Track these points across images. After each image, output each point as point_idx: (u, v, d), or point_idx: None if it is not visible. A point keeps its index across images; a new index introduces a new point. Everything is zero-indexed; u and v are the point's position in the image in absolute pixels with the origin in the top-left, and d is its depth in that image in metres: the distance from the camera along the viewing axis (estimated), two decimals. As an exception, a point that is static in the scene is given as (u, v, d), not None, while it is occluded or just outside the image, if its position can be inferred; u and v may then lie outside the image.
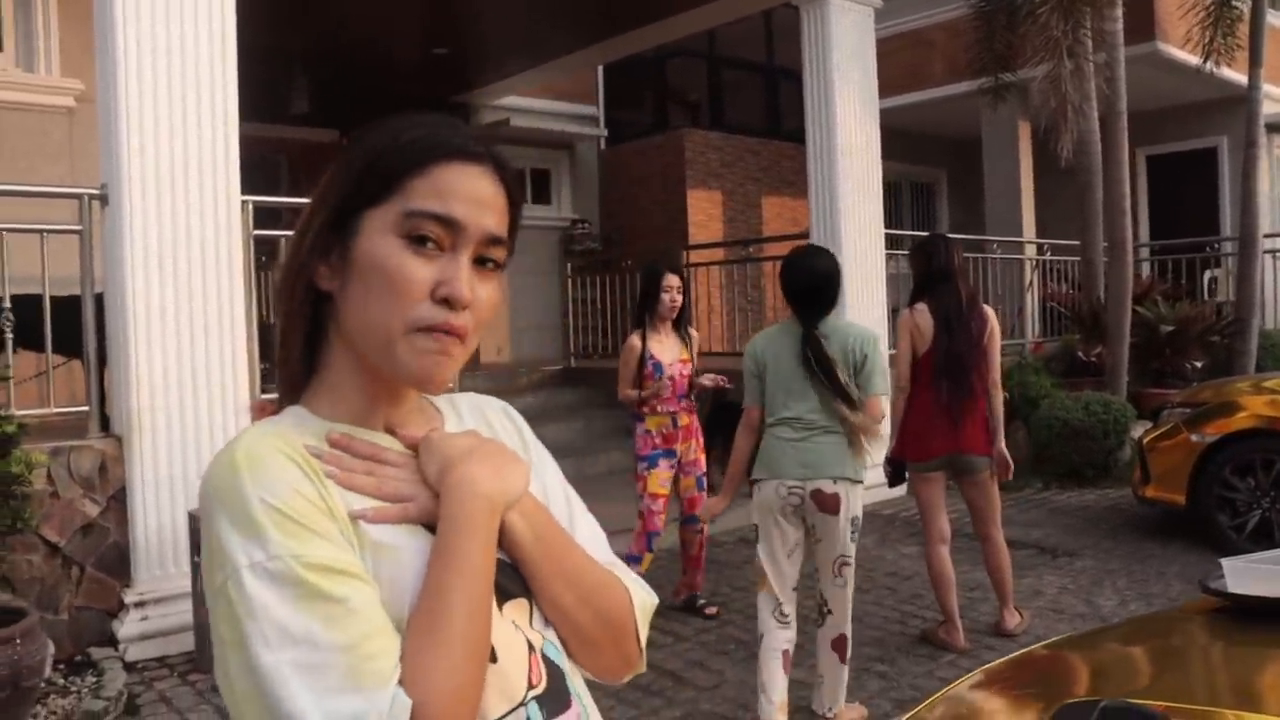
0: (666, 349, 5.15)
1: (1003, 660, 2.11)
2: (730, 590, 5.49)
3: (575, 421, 9.04)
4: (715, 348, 9.68)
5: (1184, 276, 11.81)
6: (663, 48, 11.37)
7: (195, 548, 4.20)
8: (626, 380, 5.14)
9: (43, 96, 6.78)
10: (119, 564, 4.51)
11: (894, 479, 4.88)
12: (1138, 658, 2.02)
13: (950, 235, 5.33)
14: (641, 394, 5.05)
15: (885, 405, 3.87)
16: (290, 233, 1.11)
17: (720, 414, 6.25)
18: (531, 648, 1.00)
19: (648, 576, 5.14)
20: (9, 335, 4.61)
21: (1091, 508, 7.45)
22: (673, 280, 5.16)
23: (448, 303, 0.95)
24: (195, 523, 4.15)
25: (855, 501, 3.72)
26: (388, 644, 0.87)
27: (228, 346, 4.64)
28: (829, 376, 3.68)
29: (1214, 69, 10.25)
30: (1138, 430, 7.68)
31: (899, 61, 12.54)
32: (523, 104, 11.40)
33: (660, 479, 5.09)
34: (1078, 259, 10.38)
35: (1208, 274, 12.09)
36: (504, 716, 0.94)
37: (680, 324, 5.27)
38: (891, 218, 11.81)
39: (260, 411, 1.07)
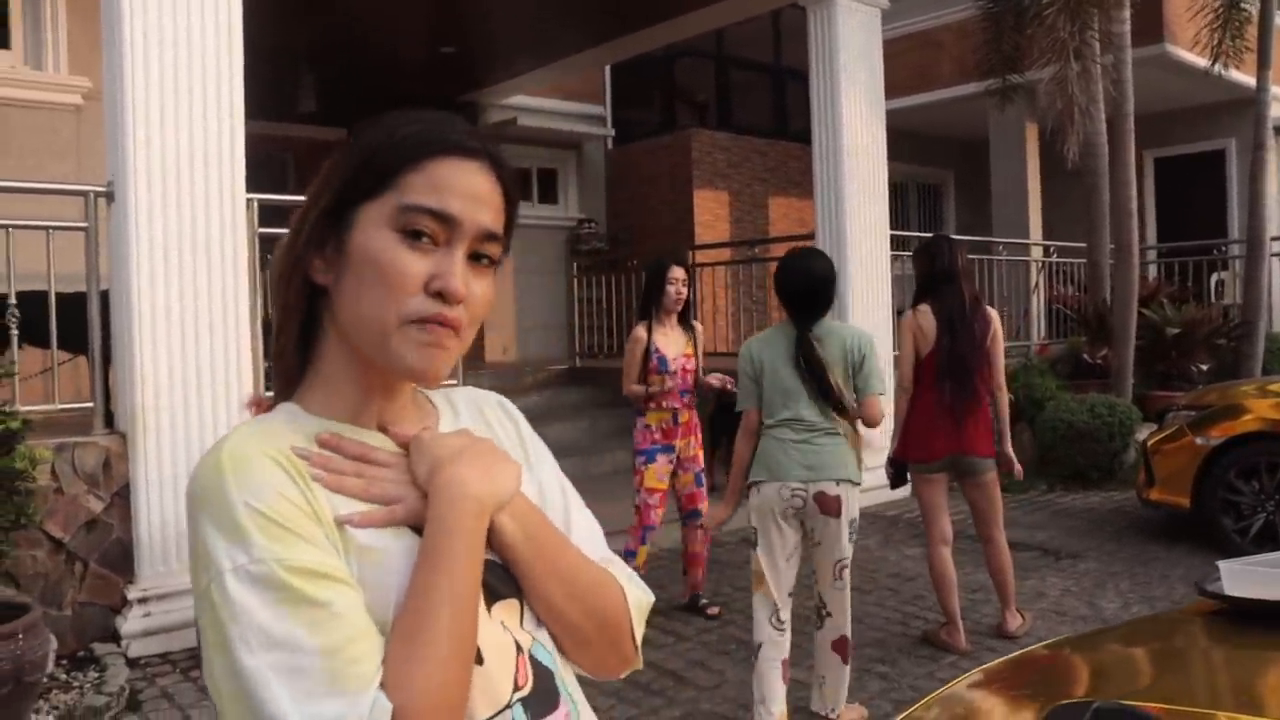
0: (671, 342, 5.15)
1: (1000, 660, 2.11)
2: (732, 590, 5.49)
3: (580, 421, 9.05)
4: (720, 348, 9.68)
5: (1191, 279, 11.79)
6: (671, 48, 11.37)
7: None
8: (632, 374, 5.12)
9: (51, 94, 6.80)
10: (122, 560, 4.52)
11: (896, 480, 4.88)
12: (1134, 659, 2.02)
13: (954, 236, 5.33)
14: (649, 390, 5.05)
15: (884, 405, 3.87)
16: (294, 230, 1.12)
17: (724, 415, 6.25)
18: (519, 649, 0.99)
19: (647, 576, 5.15)
20: (15, 331, 4.63)
21: (1096, 510, 7.44)
22: (678, 273, 5.15)
23: (441, 296, 0.95)
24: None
25: (854, 504, 3.72)
26: (370, 647, 0.87)
27: (232, 344, 4.65)
28: (820, 380, 3.68)
29: (1222, 71, 10.21)
30: (1143, 433, 7.66)
31: (907, 62, 12.53)
32: (530, 103, 11.40)
33: (657, 474, 5.09)
34: (1084, 261, 10.36)
35: (1215, 277, 12.06)
36: (490, 719, 0.93)
37: (685, 318, 5.27)
38: (899, 219, 11.81)
39: (257, 407, 1.06)
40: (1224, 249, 12.31)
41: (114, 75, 4.51)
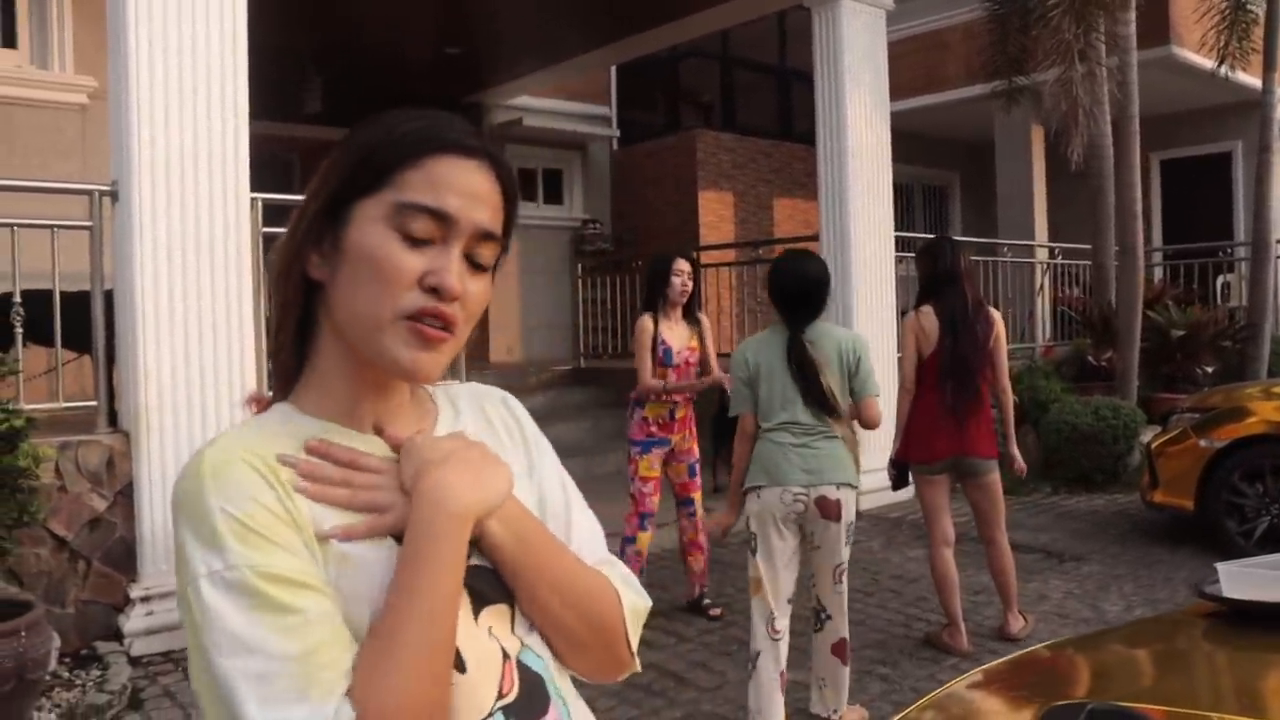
0: (676, 335, 5.14)
1: (1000, 661, 2.11)
2: (734, 591, 5.48)
3: (584, 421, 9.05)
4: (724, 349, 9.65)
5: (1196, 281, 11.77)
6: (676, 49, 11.39)
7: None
8: (647, 366, 5.03)
9: (56, 93, 6.83)
10: (125, 559, 4.54)
11: (898, 481, 4.88)
12: (1132, 661, 2.02)
13: (957, 238, 5.33)
14: (666, 385, 5.03)
15: (881, 406, 3.87)
16: (297, 230, 1.12)
17: (728, 416, 6.24)
18: (506, 656, 0.99)
19: (648, 577, 5.16)
20: (19, 330, 4.64)
21: (1100, 512, 7.42)
22: (683, 265, 5.15)
23: (436, 292, 0.95)
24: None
25: (852, 507, 3.72)
26: (339, 655, 0.87)
27: (235, 344, 4.66)
28: (811, 383, 3.68)
29: (1228, 73, 10.20)
30: (1147, 435, 7.64)
31: (912, 64, 12.53)
32: (535, 104, 11.42)
33: (650, 463, 5.12)
34: (1089, 263, 10.34)
35: (1220, 279, 12.03)
36: None
37: (690, 312, 5.26)
38: (904, 220, 11.82)
39: (257, 404, 1.06)
40: (1229, 251, 12.27)
41: (119, 75, 4.52)
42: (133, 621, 4.45)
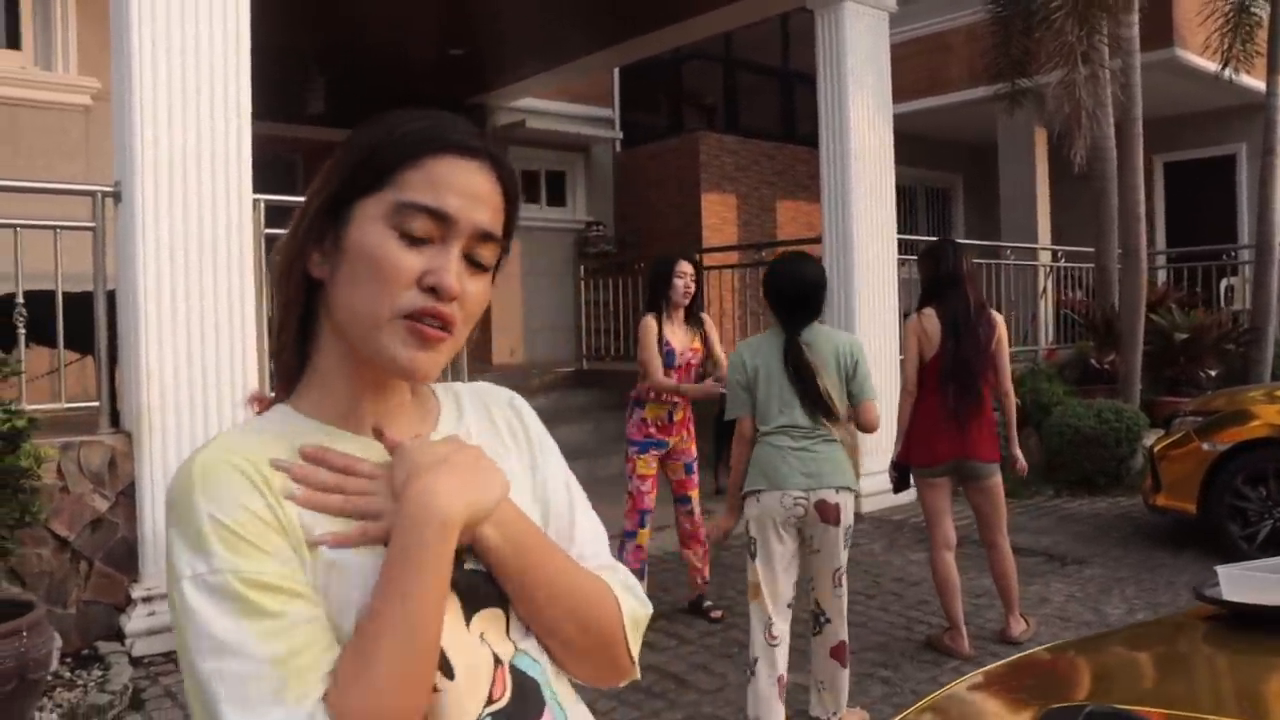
0: (678, 337, 5.16)
1: (999, 664, 2.11)
2: (735, 594, 5.47)
3: (587, 423, 9.04)
4: (727, 351, 9.66)
5: (1200, 284, 11.75)
6: (679, 51, 11.40)
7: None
8: (657, 365, 5.03)
9: (60, 95, 6.84)
10: (127, 559, 4.54)
11: (899, 484, 4.87)
12: (1132, 664, 2.02)
13: (959, 241, 5.32)
14: (680, 386, 5.03)
15: (879, 410, 3.86)
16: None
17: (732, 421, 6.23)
18: (499, 661, 0.98)
19: (648, 581, 5.16)
20: (22, 330, 4.65)
21: (1102, 516, 7.41)
22: (686, 267, 5.16)
23: (434, 292, 0.95)
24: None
25: (851, 511, 3.72)
26: (319, 659, 0.87)
27: (238, 344, 4.67)
28: (809, 386, 3.67)
29: (1232, 76, 10.18)
30: (1150, 438, 7.63)
31: (915, 66, 12.52)
32: (538, 106, 11.43)
33: (648, 462, 5.16)
34: (1092, 266, 10.33)
35: (1224, 282, 12.02)
36: None
37: (692, 314, 5.27)
38: (907, 223, 11.81)
39: (259, 404, 1.07)
40: (1233, 254, 12.26)
41: (122, 76, 4.53)
42: (134, 622, 4.45)
